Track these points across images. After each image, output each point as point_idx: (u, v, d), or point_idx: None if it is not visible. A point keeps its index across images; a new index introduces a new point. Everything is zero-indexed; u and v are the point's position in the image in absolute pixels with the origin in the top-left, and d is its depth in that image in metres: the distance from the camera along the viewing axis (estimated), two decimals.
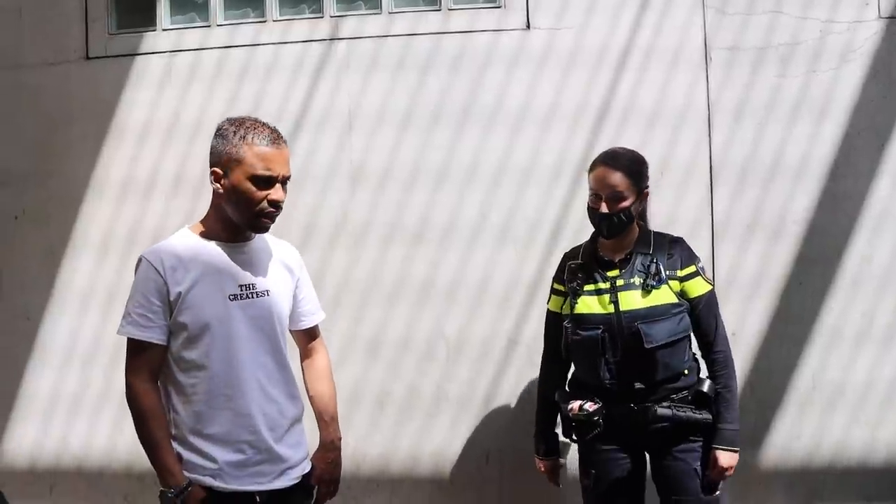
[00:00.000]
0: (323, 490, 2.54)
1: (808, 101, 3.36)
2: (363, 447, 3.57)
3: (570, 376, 2.92)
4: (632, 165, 2.74)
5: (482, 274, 3.51)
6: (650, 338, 2.65)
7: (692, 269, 2.75)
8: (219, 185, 2.28)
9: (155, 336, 2.26)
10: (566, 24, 3.48)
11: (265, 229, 2.35)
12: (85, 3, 3.75)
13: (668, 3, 3.43)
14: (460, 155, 3.52)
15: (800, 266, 3.38)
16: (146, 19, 3.76)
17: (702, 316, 2.75)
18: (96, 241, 3.72)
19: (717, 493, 2.73)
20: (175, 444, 2.28)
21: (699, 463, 2.72)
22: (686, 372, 2.74)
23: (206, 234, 2.35)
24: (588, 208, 2.76)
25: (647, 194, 2.79)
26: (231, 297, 2.30)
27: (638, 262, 2.74)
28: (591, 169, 2.76)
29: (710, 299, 2.77)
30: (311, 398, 2.59)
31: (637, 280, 2.71)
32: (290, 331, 2.53)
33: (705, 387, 2.72)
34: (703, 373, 2.80)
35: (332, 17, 3.63)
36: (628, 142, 3.33)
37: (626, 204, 2.69)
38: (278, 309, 2.39)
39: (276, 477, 2.35)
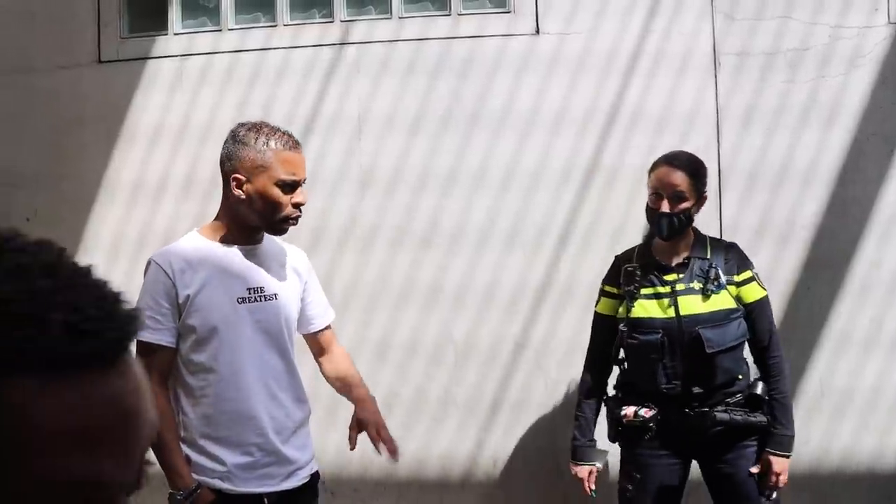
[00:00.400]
0: (384, 435, 2.50)
1: (816, 106, 3.36)
2: (371, 450, 3.57)
3: (618, 380, 2.87)
4: (694, 167, 2.73)
5: (490, 278, 3.51)
6: (711, 342, 2.63)
7: (748, 274, 2.75)
8: (241, 192, 2.27)
9: (164, 338, 2.26)
10: (575, 30, 3.48)
11: (285, 231, 2.35)
12: (97, 7, 3.76)
13: (677, 8, 3.43)
14: (469, 159, 3.52)
15: (808, 271, 3.37)
16: (158, 23, 3.78)
17: (757, 321, 2.74)
18: (107, 243, 3.74)
19: (775, 496, 2.74)
20: (184, 447, 2.29)
21: (753, 466, 2.72)
22: (741, 376, 2.74)
23: (215, 238, 2.35)
24: (647, 208, 2.74)
25: (705, 198, 2.78)
26: (239, 300, 2.31)
27: (696, 266, 2.72)
28: (653, 168, 2.75)
29: (764, 304, 2.76)
30: (332, 379, 2.59)
31: (696, 285, 2.69)
32: (303, 335, 2.54)
33: (758, 389, 2.72)
34: (752, 375, 2.79)
35: (342, 21, 3.64)
36: (637, 147, 3.33)
37: (686, 205, 2.68)
38: (287, 312, 2.39)
39: (285, 479, 2.36)
